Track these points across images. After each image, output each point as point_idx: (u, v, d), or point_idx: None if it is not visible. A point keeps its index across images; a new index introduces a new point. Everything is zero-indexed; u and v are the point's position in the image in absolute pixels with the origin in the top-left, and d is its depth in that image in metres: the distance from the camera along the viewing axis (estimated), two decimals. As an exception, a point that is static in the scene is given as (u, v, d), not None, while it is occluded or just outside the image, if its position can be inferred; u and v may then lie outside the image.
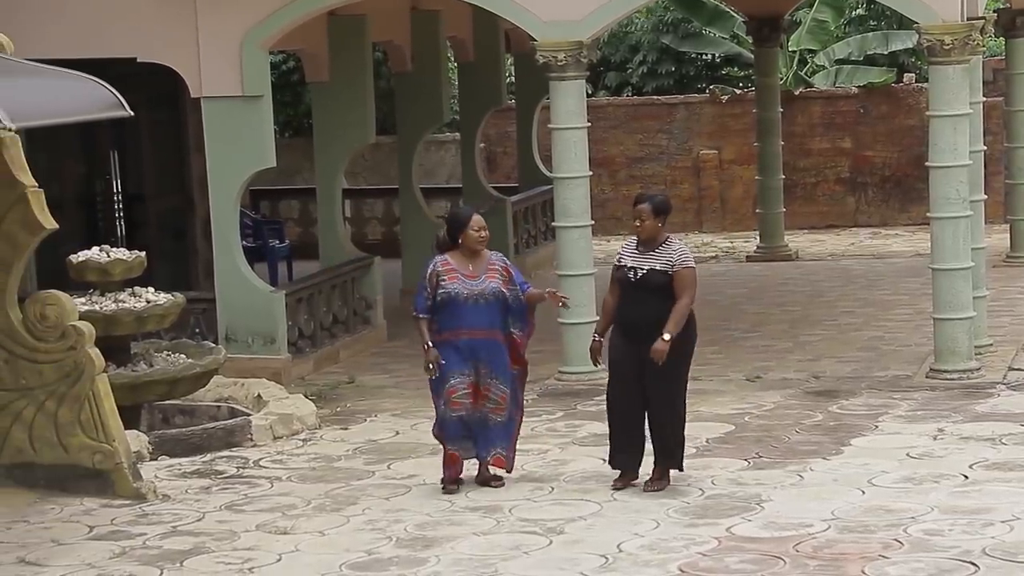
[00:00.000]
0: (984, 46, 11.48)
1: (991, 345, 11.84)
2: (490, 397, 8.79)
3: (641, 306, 8.51)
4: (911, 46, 20.06)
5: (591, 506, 8.39)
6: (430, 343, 8.69)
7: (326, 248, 13.99)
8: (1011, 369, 11.27)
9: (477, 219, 8.75)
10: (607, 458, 8.81)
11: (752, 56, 18.91)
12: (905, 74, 20.93)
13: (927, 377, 11.16)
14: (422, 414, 10.99)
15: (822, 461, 9.09)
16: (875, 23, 22.35)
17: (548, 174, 14.45)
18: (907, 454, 9.09)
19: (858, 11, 22.81)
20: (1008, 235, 16.43)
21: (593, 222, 12.14)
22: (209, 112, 12.22)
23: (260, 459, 9.89)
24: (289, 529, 8.27)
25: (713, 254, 18.86)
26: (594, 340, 8.79)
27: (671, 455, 8.64)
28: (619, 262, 8.69)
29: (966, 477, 8.52)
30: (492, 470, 8.89)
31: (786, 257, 17.77)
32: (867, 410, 10.34)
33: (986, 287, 12.00)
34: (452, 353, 8.72)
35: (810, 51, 21.46)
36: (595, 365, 8.97)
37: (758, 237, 18.30)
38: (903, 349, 12.32)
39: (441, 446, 8.94)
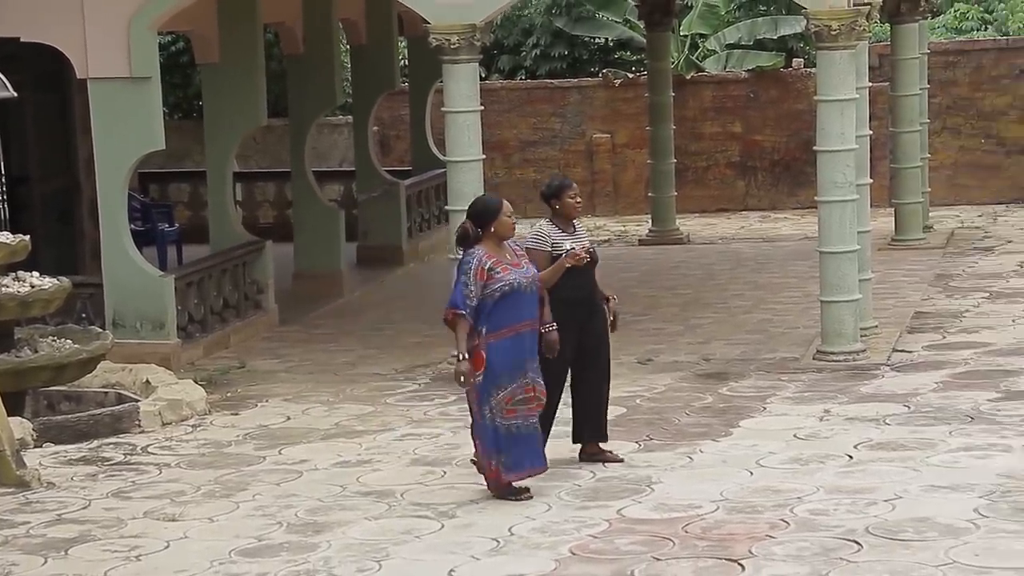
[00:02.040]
0: (870, 32, 11.64)
1: (876, 327, 12.04)
2: (538, 397, 8.20)
3: (588, 283, 8.62)
4: (800, 31, 20.29)
5: (483, 490, 8.39)
6: (468, 353, 7.94)
7: (216, 232, 13.85)
8: (895, 351, 11.46)
9: (507, 206, 8.25)
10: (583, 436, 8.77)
11: (644, 40, 19.02)
12: (794, 59, 21.17)
13: (814, 359, 11.32)
14: (314, 399, 10.95)
15: (711, 443, 9.19)
16: (764, 8, 22.56)
17: (442, 157, 14.39)
18: (794, 435, 9.21)
19: (748, -5, 23.00)
20: (893, 219, 16.71)
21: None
22: (96, 94, 12.02)
23: (148, 445, 9.77)
24: (177, 516, 8.18)
25: (606, 237, 18.95)
26: (551, 331, 8.37)
27: (605, 427, 8.79)
28: (560, 248, 8.55)
29: (851, 457, 8.66)
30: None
31: (678, 240, 17.91)
32: (756, 392, 10.47)
33: (871, 270, 12.19)
34: (510, 351, 8.03)
35: (701, 35, 21.62)
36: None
37: (650, 221, 18.43)
38: (791, 331, 12.49)
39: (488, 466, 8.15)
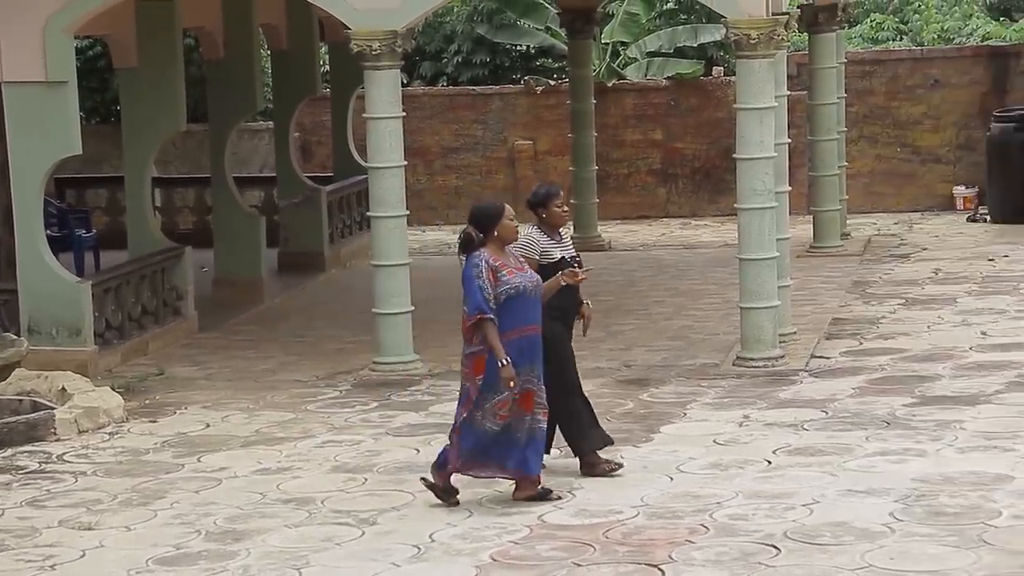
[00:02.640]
0: (788, 41, 11.76)
1: (795, 333, 12.15)
2: (538, 401, 8.13)
3: (576, 290, 8.61)
4: (720, 40, 20.49)
5: (404, 496, 8.38)
6: (509, 359, 7.86)
7: (135, 238, 13.71)
8: (813, 356, 11.57)
9: (509, 209, 8.19)
10: (576, 445, 8.64)
11: (566, 48, 19.08)
12: (714, 67, 21.35)
13: (734, 365, 11.40)
14: (233, 406, 10.87)
15: (632, 449, 9.22)
16: (685, 17, 22.75)
17: (363, 163, 14.36)
18: (714, 441, 9.27)
19: (668, 5, 23.18)
20: (811, 226, 16.88)
21: (408, 212, 12.13)
22: (10, 98, 11.86)
23: (64, 453, 9.64)
24: (94, 524, 8.08)
25: (528, 244, 18.99)
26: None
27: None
28: (550, 256, 8.52)
29: (769, 462, 8.73)
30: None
31: (599, 247, 17.97)
32: (676, 398, 10.52)
33: (790, 277, 12.31)
34: (515, 355, 7.96)
35: (622, 43, 21.74)
36: None
37: (572, 227, 18.48)
38: (711, 338, 12.57)
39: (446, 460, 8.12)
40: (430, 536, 7.63)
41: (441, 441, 9.57)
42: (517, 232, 8.22)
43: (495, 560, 7.25)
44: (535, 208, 8.66)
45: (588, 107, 17.92)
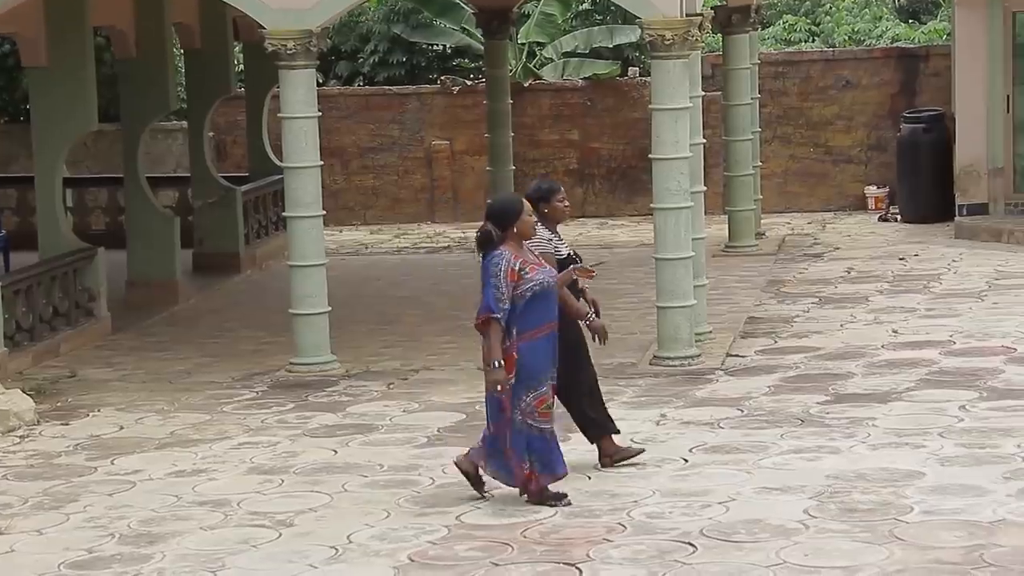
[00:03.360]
0: (703, 42, 11.84)
1: (711, 332, 12.23)
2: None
3: (579, 291, 8.59)
4: (635, 40, 20.59)
5: (322, 497, 8.34)
6: (503, 360, 7.80)
7: (45, 238, 13.51)
8: (729, 355, 11.67)
9: (528, 205, 8.06)
10: (597, 436, 8.63)
11: (482, 48, 19.09)
12: (630, 68, 21.46)
13: (651, 364, 11.46)
14: (147, 408, 10.76)
15: (550, 448, 9.22)
16: (600, 17, 22.85)
17: (279, 163, 14.27)
18: (631, 439, 9.30)
19: (584, 5, 23.27)
20: (726, 225, 17.02)
21: (325, 212, 12.08)
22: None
23: (-25, 458, 9.49)
24: (4, 529, 7.96)
25: (446, 244, 18.98)
26: (596, 320, 8.42)
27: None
28: (559, 252, 8.49)
29: (686, 461, 8.79)
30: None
31: (516, 247, 17.99)
32: (593, 397, 10.54)
33: (706, 276, 12.39)
34: (544, 352, 7.90)
35: (539, 44, 21.79)
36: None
37: (489, 227, 18.48)
38: (628, 337, 12.61)
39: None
40: (348, 537, 7.59)
41: (357, 443, 9.57)
42: (535, 229, 8.12)
43: (413, 561, 7.23)
44: (536, 203, 8.50)
45: (505, 107, 17.94)
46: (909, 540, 7.05)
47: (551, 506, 7.90)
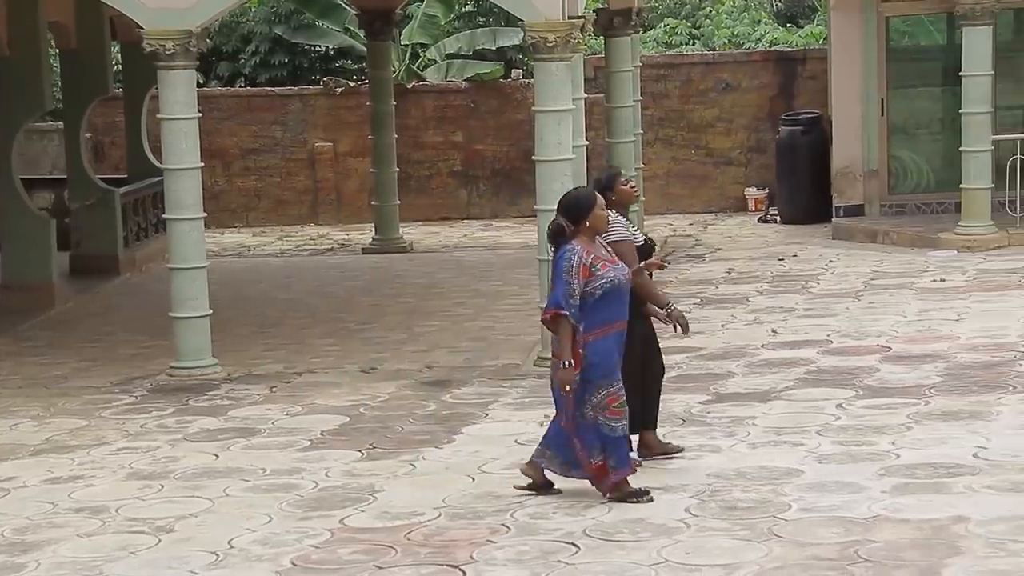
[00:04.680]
0: (585, 44, 11.91)
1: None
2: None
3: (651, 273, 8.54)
4: (518, 43, 20.66)
5: (203, 503, 8.24)
6: (572, 359, 7.59)
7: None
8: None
9: (600, 198, 7.87)
10: (639, 430, 8.50)
11: (365, 49, 19.02)
12: (513, 70, 21.53)
13: (535, 365, 11.48)
14: (22, 414, 10.55)
15: (435, 450, 9.23)
16: (483, 19, 22.90)
17: (159, 165, 14.07)
18: (515, 441, 9.32)
19: (467, 7, 23.30)
20: (610, 227, 17.11)
21: (206, 214, 11.96)
22: None
23: None
24: None
25: (329, 246, 18.89)
26: (676, 309, 8.34)
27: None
28: (638, 239, 8.43)
29: (570, 460, 8.82)
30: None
31: (401, 249, 17.98)
32: (478, 399, 10.56)
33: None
34: (613, 350, 7.72)
35: (422, 45, 21.77)
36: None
37: (374, 229, 18.45)
38: (513, 338, 12.65)
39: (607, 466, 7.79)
40: (229, 543, 7.51)
41: (239, 447, 9.47)
42: (608, 222, 7.94)
43: (295, 565, 7.17)
44: (604, 192, 8.37)
45: (388, 109, 17.90)
46: (787, 537, 7.15)
47: (633, 502, 7.71)
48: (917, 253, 15.63)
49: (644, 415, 8.62)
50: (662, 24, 26.34)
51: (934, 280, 14.08)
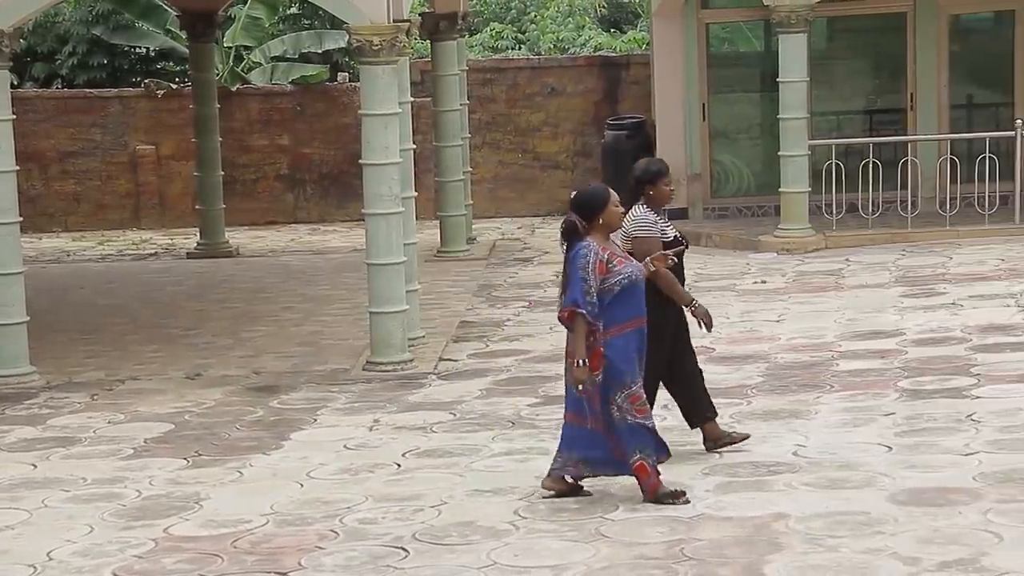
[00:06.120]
0: (411, 48, 11.90)
1: (424, 337, 12.30)
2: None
3: (679, 267, 8.37)
4: (344, 45, 20.54)
5: (20, 514, 8.02)
6: (587, 359, 7.53)
7: None
8: (442, 360, 11.75)
9: (614, 195, 7.69)
10: (700, 423, 8.42)
11: (187, 51, 18.73)
12: (339, 73, 21.40)
13: (364, 370, 11.45)
14: None
15: (262, 456, 9.12)
16: (309, 22, 22.72)
17: (-28, 168, 13.66)
18: (344, 446, 9.28)
19: (292, 9, 23.10)
20: (438, 231, 17.15)
21: (22, 219, 11.67)
22: None
23: None
24: None
25: (153, 251, 18.55)
26: (700, 306, 8.18)
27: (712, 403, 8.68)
28: (667, 235, 8.29)
29: (399, 466, 8.80)
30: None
31: (227, 253, 17.75)
32: (307, 404, 10.48)
33: (418, 281, 12.46)
34: (633, 347, 7.61)
35: (246, 48, 21.51)
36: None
37: (199, 234, 18.17)
38: (341, 343, 12.58)
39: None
40: (48, 555, 7.32)
41: (59, 456, 9.23)
42: (622, 219, 7.85)
43: (118, 577, 7.03)
44: (643, 185, 8.32)
45: (212, 111, 17.66)
46: (614, 537, 7.23)
47: (669, 503, 7.58)
48: (739, 255, 15.95)
49: (694, 410, 8.54)
50: (488, 28, 26.47)
51: (755, 282, 14.39)
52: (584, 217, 7.66)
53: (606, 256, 7.59)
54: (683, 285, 8.45)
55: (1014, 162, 15.78)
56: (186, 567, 7.10)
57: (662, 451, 7.87)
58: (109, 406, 10.56)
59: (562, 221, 7.78)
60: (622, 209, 7.85)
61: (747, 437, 8.64)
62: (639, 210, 8.36)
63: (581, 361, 7.57)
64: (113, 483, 8.57)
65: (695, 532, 7.22)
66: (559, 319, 7.77)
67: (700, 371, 8.74)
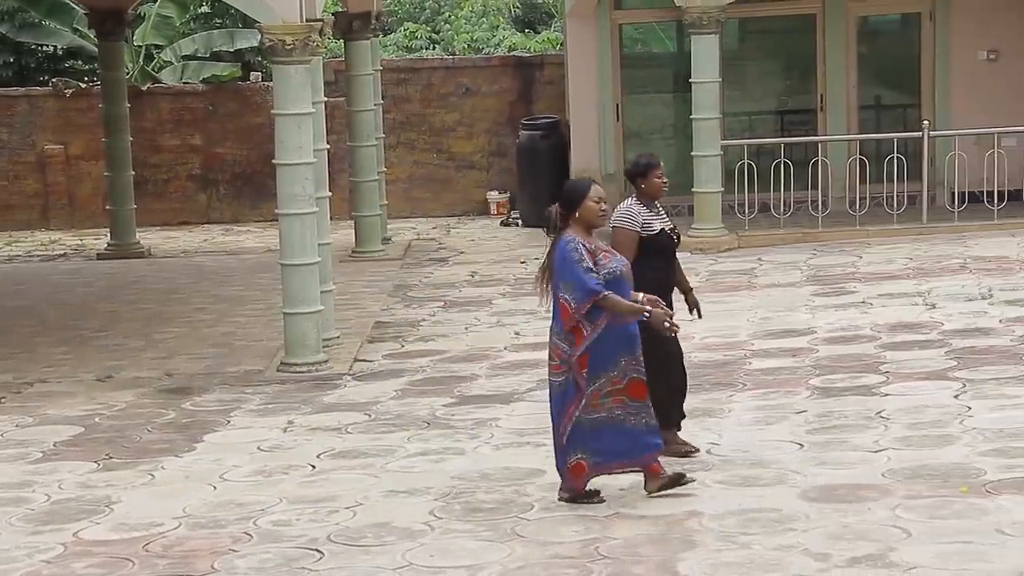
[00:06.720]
0: (324, 48, 11.84)
1: (338, 338, 12.25)
2: (627, 390, 7.61)
3: (674, 266, 8.32)
4: (256, 44, 20.41)
5: (-74, 522, 7.88)
6: (644, 304, 7.48)
7: None
8: (357, 360, 11.71)
9: (596, 189, 7.59)
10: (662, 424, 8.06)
11: (96, 50, 18.50)
12: (251, 72, 21.24)
13: (278, 371, 11.38)
14: None
15: (175, 459, 9.03)
16: (220, 21, 22.53)
17: None
18: (258, 447, 9.21)
19: (203, 8, 22.89)
20: (353, 231, 17.08)
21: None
22: None
23: None
24: None
25: (62, 252, 18.31)
26: (655, 317, 7.68)
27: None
28: (651, 228, 8.18)
29: (314, 467, 8.75)
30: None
31: (138, 254, 17.56)
32: (220, 406, 10.40)
33: (333, 282, 12.40)
34: (611, 343, 7.50)
35: (156, 46, 21.28)
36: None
37: (109, 234, 17.96)
38: (255, 344, 12.50)
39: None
40: (-45, 563, 7.20)
41: None
42: (601, 217, 7.62)
43: (27, 583, 6.93)
44: (634, 178, 8.29)
45: (122, 111, 17.47)
46: (529, 536, 7.24)
47: (585, 503, 7.58)
48: (653, 255, 16.03)
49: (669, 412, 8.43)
50: (402, 28, 26.39)
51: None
52: (563, 208, 7.66)
53: (592, 247, 7.59)
54: (675, 281, 8.51)
55: (921, 162, 16.02)
56: (96, 571, 7.02)
57: (627, 455, 7.66)
58: (17, 409, 10.41)
59: (547, 209, 7.76)
60: (604, 207, 7.71)
61: (697, 451, 8.49)
62: (627, 202, 8.38)
63: (646, 313, 7.55)
64: (21, 487, 8.44)
65: (610, 531, 7.25)
66: (579, 314, 7.56)
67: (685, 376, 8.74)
